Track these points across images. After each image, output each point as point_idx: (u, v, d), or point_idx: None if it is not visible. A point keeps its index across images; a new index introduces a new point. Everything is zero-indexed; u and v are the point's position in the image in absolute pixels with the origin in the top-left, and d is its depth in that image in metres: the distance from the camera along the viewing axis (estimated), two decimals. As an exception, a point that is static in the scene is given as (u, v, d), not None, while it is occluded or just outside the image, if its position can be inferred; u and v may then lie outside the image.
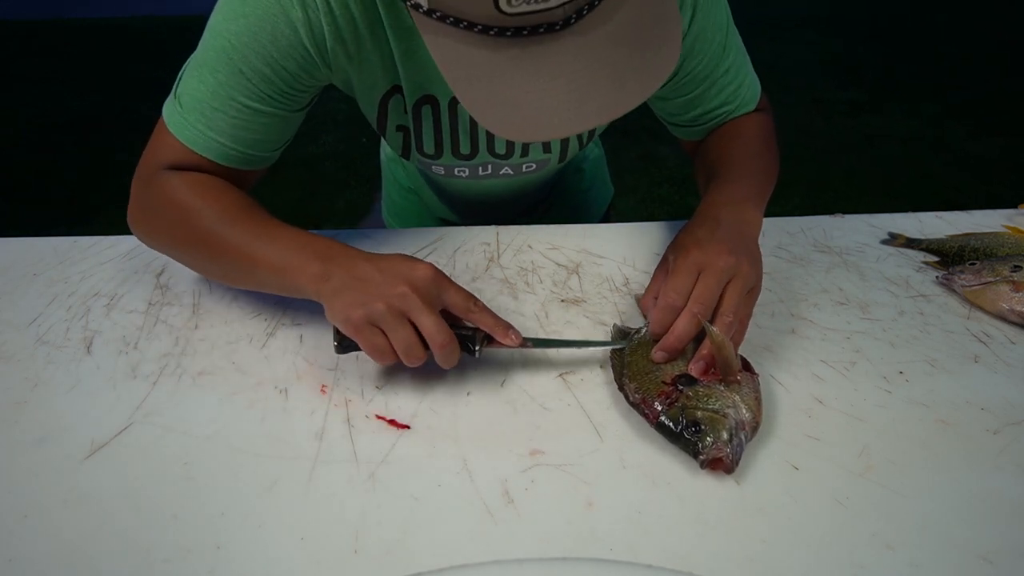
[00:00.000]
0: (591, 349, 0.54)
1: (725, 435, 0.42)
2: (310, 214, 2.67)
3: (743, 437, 0.43)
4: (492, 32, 0.41)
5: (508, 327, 0.49)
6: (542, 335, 0.57)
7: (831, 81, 4.38)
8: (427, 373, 0.52)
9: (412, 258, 0.49)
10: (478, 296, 0.50)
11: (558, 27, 0.41)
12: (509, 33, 0.41)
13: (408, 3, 0.43)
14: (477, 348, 0.49)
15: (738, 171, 0.61)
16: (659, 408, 0.45)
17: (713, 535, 0.39)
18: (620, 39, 0.43)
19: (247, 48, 0.51)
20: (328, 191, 2.88)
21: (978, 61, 4.85)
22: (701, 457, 0.42)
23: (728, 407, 0.44)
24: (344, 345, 0.49)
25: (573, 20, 0.41)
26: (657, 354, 0.49)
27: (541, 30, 0.41)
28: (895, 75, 4.57)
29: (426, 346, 0.47)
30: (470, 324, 0.50)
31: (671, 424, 0.44)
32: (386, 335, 0.46)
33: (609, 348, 0.53)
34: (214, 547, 0.39)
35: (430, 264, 0.48)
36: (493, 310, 0.50)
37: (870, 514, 0.40)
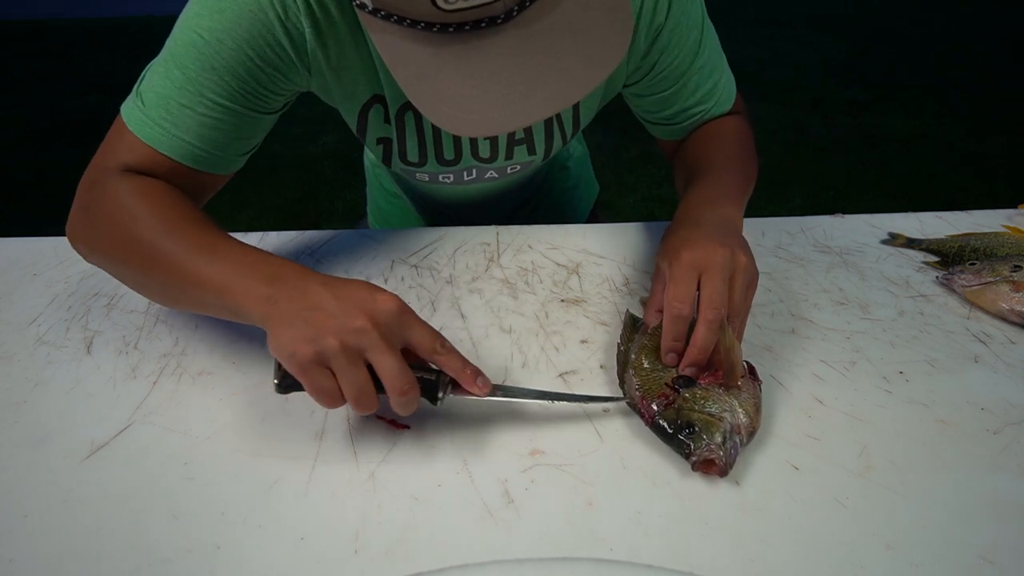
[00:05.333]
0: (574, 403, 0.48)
1: (719, 438, 0.42)
2: (309, 214, 2.67)
3: (738, 441, 0.43)
4: (435, 29, 0.41)
5: (477, 373, 0.44)
6: (542, 335, 0.56)
7: (831, 81, 4.38)
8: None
9: (375, 287, 0.42)
10: (479, 296, 0.50)
11: (500, 20, 0.41)
12: (451, 29, 0.41)
13: (354, 2, 0.43)
14: (440, 396, 0.44)
15: (716, 172, 0.60)
16: (656, 408, 0.45)
17: (713, 535, 0.39)
18: (564, 29, 0.43)
19: (220, 44, 0.49)
20: (327, 191, 2.88)
21: (978, 61, 4.85)
22: (693, 458, 0.42)
23: (725, 411, 0.44)
24: (285, 384, 0.43)
25: (515, 12, 0.41)
26: (687, 370, 0.47)
27: (483, 24, 0.41)
28: (896, 74, 4.57)
29: (380, 389, 0.41)
30: (433, 367, 0.44)
31: (666, 424, 0.44)
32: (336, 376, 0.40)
33: (609, 355, 0.53)
34: (214, 547, 0.39)
35: (394, 295, 0.42)
36: (492, 311, 0.49)
37: (870, 514, 0.40)
